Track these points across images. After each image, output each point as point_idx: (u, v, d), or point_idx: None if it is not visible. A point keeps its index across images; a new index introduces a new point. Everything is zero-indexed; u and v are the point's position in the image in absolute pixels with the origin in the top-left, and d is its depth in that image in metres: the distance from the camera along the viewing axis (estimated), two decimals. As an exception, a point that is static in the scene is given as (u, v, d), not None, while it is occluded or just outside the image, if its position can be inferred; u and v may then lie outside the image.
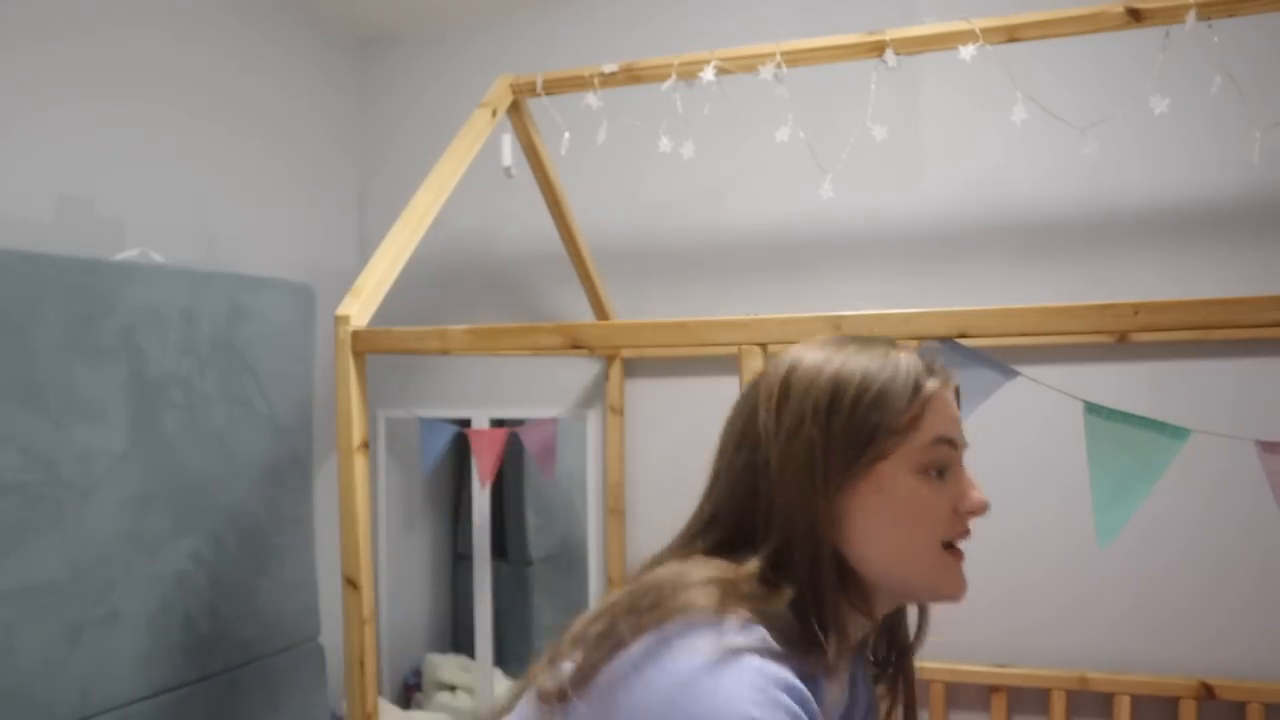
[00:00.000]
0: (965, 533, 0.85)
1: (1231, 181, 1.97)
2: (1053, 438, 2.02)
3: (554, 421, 2.30)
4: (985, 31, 1.70)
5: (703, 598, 0.74)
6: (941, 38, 1.74)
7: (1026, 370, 1.48)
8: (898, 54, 1.77)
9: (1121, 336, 1.99)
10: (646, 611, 0.73)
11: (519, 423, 2.27)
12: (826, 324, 1.31)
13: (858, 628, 0.85)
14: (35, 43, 1.89)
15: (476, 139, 1.85)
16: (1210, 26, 1.62)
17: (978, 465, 2.38)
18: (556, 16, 2.55)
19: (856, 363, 0.83)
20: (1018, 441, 2.05)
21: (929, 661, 2.12)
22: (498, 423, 2.43)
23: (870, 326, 1.31)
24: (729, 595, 0.74)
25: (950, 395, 0.86)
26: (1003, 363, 1.34)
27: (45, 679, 1.38)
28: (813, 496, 0.79)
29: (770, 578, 0.78)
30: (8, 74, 1.84)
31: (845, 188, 1.95)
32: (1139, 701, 1.98)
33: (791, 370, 0.85)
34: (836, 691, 0.85)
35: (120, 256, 1.75)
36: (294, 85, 2.56)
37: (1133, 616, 2.02)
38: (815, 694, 0.73)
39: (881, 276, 2.22)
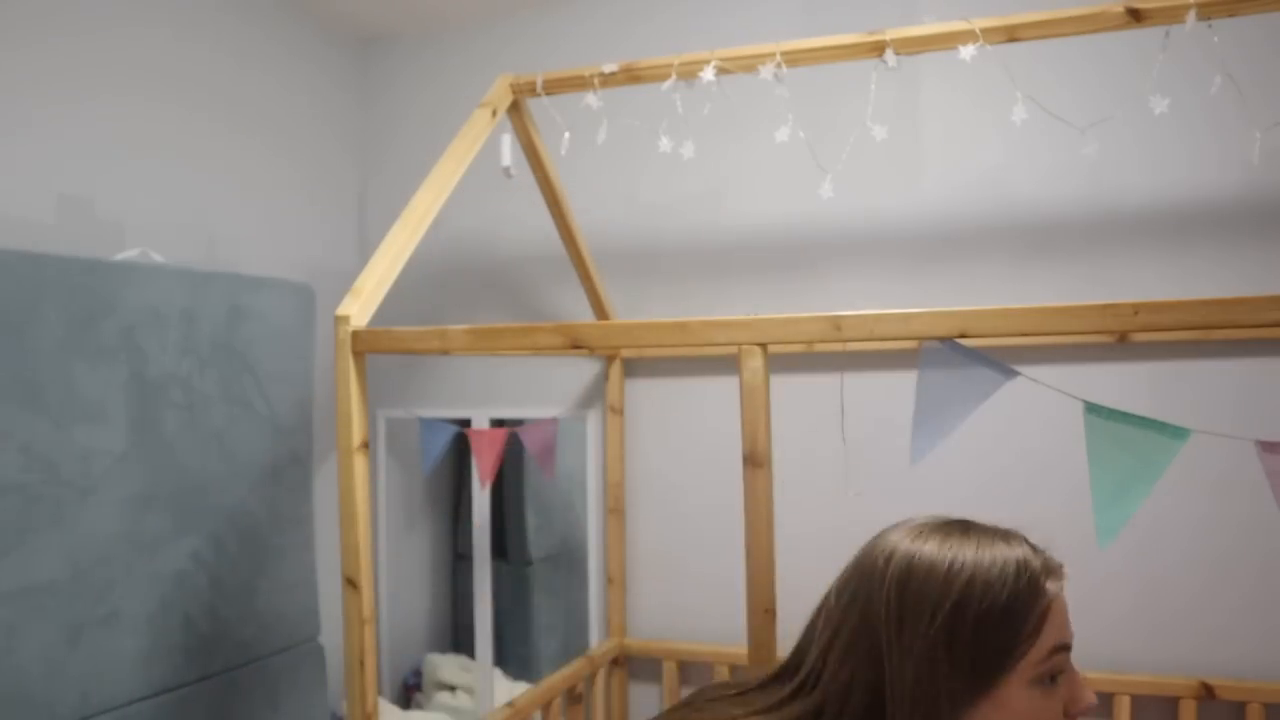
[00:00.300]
0: None
1: (1231, 181, 1.97)
2: (1053, 438, 2.02)
3: (554, 421, 2.30)
4: (985, 31, 1.69)
5: None
6: (941, 38, 1.74)
7: (1026, 370, 1.47)
8: (898, 54, 1.77)
9: (1121, 336, 1.99)
10: None
11: (519, 423, 2.27)
12: (826, 324, 1.32)
13: None
14: (36, 42, 1.89)
15: (476, 139, 1.85)
16: (1210, 26, 1.62)
17: (978, 465, 2.39)
18: (556, 16, 2.55)
19: (977, 567, 0.84)
20: (1018, 441, 2.05)
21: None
22: (498, 423, 2.43)
23: (870, 326, 1.31)
24: None
25: (1064, 594, 0.87)
26: (1003, 363, 1.34)
27: (45, 679, 1.38)
28: (935, 713, 0.81)
29: None
30: (8, 74, 1.84)
31: (845, 188, 1.95)
32: (1139, 701, 1.98)
33: (908, 570, 0.86)
34: None
35: (120, 256, 1.75)
36: (294, 85, 2.56)
37: (1133, 616, 2.02)
38: None
39: (881, 276, 2.22)
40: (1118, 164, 2.03)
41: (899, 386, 1.69)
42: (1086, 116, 1.82)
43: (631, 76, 1.90)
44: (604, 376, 2.45)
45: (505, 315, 2.61)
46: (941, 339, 1.30)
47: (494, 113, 1.91)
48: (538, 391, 2.53)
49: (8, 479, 1.35)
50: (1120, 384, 2.02)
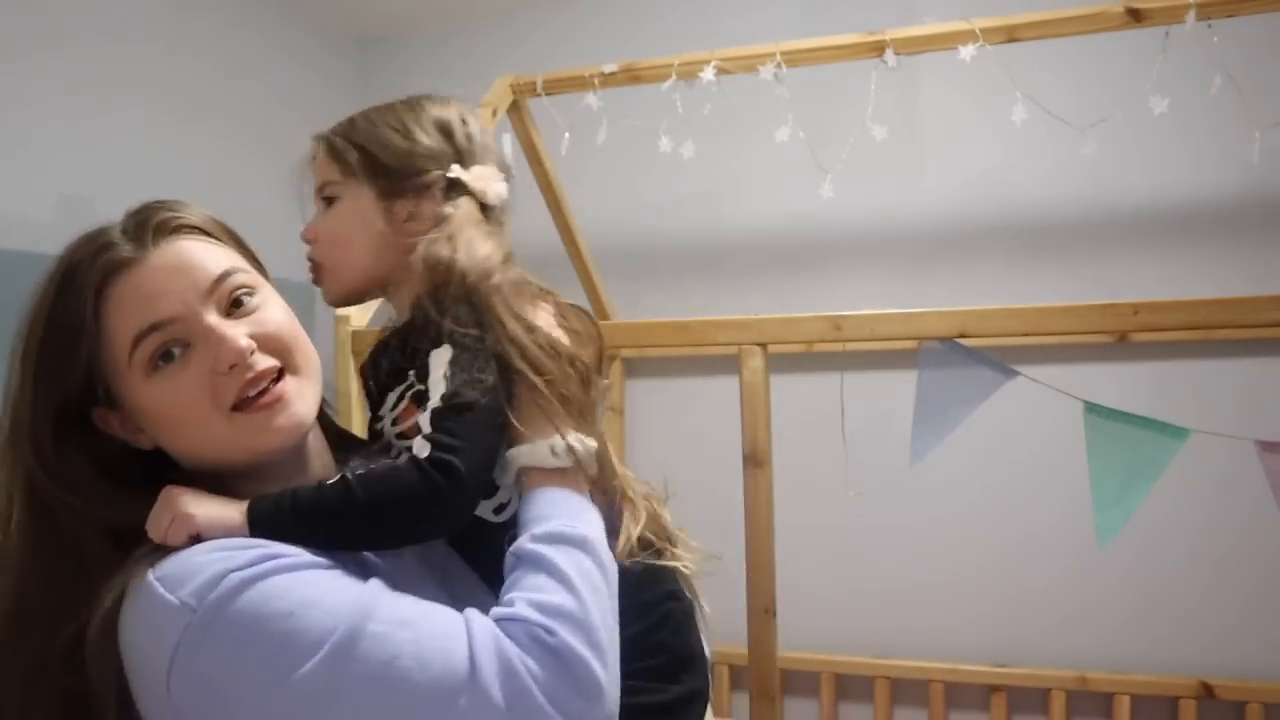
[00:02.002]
0: None
1: (1231, 181, 1.97)
2: (1053, 438, 2.01)
3: (554, 421, 2.30)
4: (985, 31, 1.70)
5: None
6: (941, 38, 1.75)
7: (1026, 370, 1.47)
8: (898, 54, 1.77)
9: (1121, 336, 1.99)
10: None
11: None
12: (826, 324, 1.32)
13: None
14: (36, 44, 1.89)
15: (476, 139, 1.85)
16: (1210, 26, 1.62)
17: (978, 465, 2.38)
18: (557, 17, 2.55)
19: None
20: (1018, 441, 2.05)
21: (929, 661, 2.12)
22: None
23: (870, 326, 1.31)
24: None
25: (147, 269, 0.78)
26: (1003, 363, 1.34)
27: (45, 679, 1.38)
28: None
29: None
30: (8, 74, 1.84)
31: (845, 188, 1.95)
32: (1139, 701, 1.98)
33: None
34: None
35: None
36: (293, 86, 2.56)
37: (1133, 616, 2.02)
38: None
39: (881, 276, 2.22)
40: (1118, 164, 2.03)
41: (899, 386, 1.68)
42: (1086, 116, 1.82)
43: (632, 77, 1.90)
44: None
45: (505, 315, 2.60)
46: (941, 339, 1.30)
47: (494, 113, 1.91)
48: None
49: (8, 479, 1.35)
50: (1120, 384, 2.01)
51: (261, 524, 0.72)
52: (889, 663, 2.15)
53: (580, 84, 1.95)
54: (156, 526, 0.72)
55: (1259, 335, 1.91)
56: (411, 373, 0.83)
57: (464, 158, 0.97)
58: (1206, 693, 1.91)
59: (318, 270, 0.95)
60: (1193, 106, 1.87)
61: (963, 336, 1.29)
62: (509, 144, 2.01)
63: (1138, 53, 1.79)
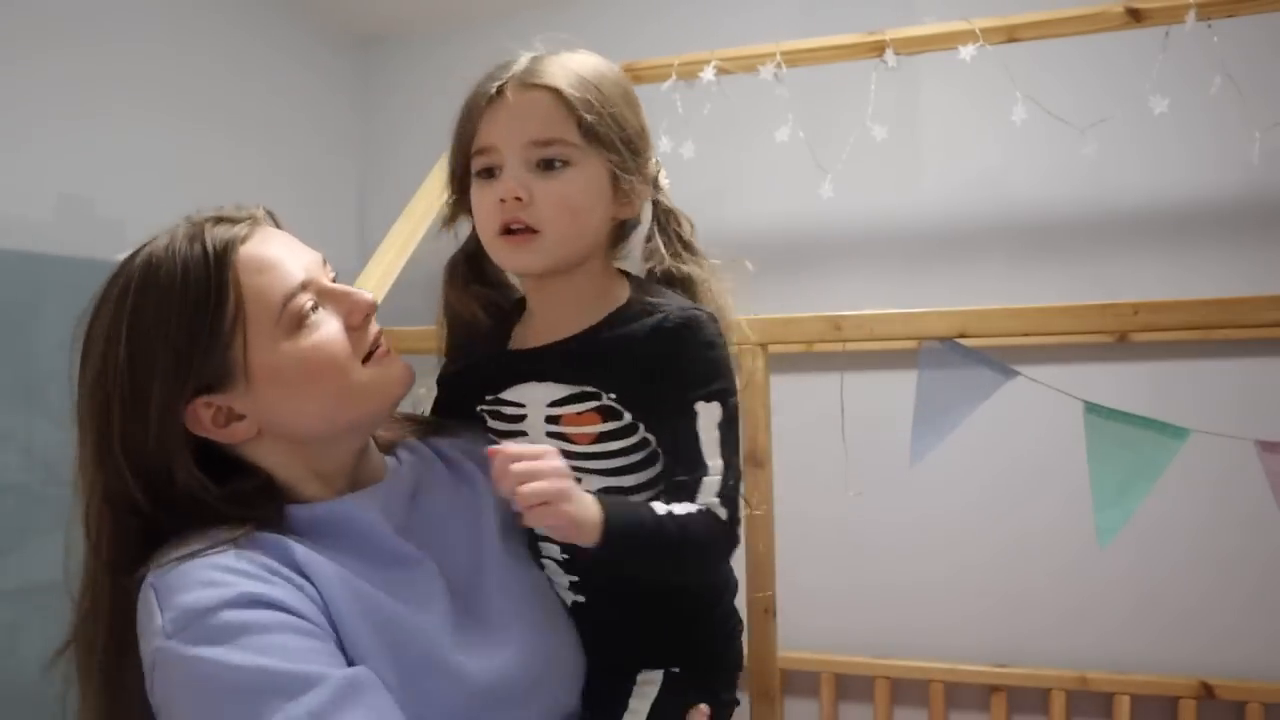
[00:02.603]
0: None
1: (1231, 181, 1.97)
2: (1053, 438, 2.01)
3: (554, 421, 2.30)
4: (985, 31, 1.70)
5: None
6: (941, 38, 1.75)
7: (1026, 370, 1.47)
8: (898, 54, 1.77)
9: (1121, 336, 1.99)
10: None
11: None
12: (826, 324, 1.32)
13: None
14: (36, 44, 1.89)
15: (476, 139, 1.85)
16: (1210, 26, 1.62)
17: (978, 465, 2.38)
18: (557, 17, 2.55)
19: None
20: (1018, 441, 2.05)
21: (929, 661, 2.12)
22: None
23: (870, 326, 1.32)
24: None
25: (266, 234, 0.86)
26: (1003, 363, 1.34)
27: (46, 678, 1.38)
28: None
29: None
30: (8, 74, 1.84)
31: (845, 188, 1.95)
32: (1139, 701, 1.98)
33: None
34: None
35: (120, 256, 1.75)
36: (293, 86, 2.56)
37: (1133, 616, 2.02)
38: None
39: (881, 276, 2.22)
40: (1118, 164, 2.03)
41: (899, 386, 1.68)
42: (1086, 116, 1.82)
43: (631, 77, 1.90)
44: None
45: (505, 315, 2.60)
46: (941, 339, 1.30)
47: (494, 113, 1.91)
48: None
49: (8, 479, 1.35)
50: (1120, 384, 2.01)
51: (616, 535, 0.74)
52: (889, 663, 2.14)
53: (580, 84, 1.94)
54: (532, 489, 0.70)
55: (1259, 335, 1.91)
56: (611, 395, 0.84)
57: None
58: (1206, 693, 1.91)
59: (526, 234, 0.84)
60: (1193, 106, 1.87)
61: (963, 336, 1.29)
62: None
63: (1138, 53, 1.79)
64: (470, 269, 0.94)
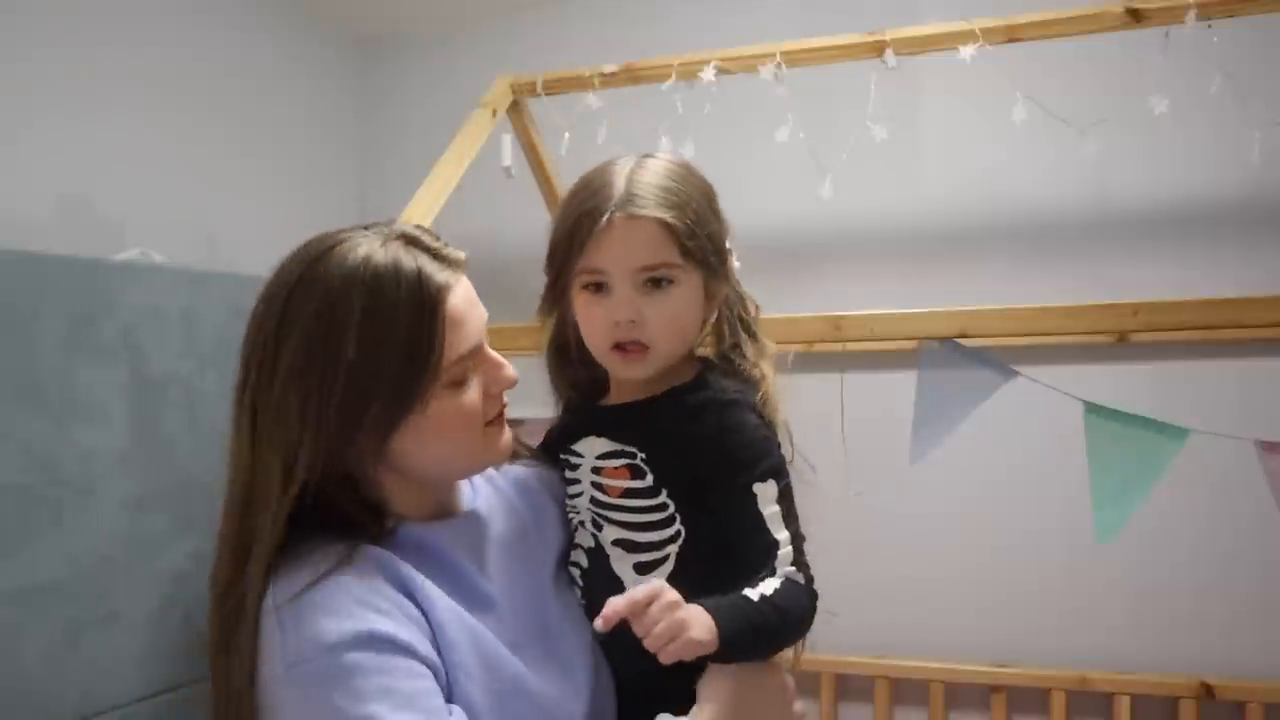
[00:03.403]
0: None
1: (1231, 181, 1.97)
2: (1053, 438, 2.01)
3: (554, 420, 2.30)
4: (985, 31, 1.70)
5: None
6: (941, 38, 1.75)
7: (1026, 370, 1.48)
8: (898, 54, 1.77)
9: (1121, 336, 1.99)
10: None
11: (519, 423, 2.26)
12: (826, 324, 1.32)
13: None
14: (36, 44, 1.89)
15: (476, 139, 1.85)
16: (1210, 27, 1.62)
17: (978, 465, 2.38)
18: (557, 17, 2.55)
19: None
20: (1018, 441, 2.05)
21: (929, 661, 2.12)
22: (498, 423, 2.43)
23: (870, 326, 1.32)
24: None
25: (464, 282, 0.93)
26: (1003, 363, 1.34)
27: (45, 679, 1.38)
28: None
29: None
30: (8, 73, 1.84)
31: (845, 188, 1.95)
32: (1139, 701, 1.98)
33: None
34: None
35: (120, 256, 1.75)
36: (293, 86, 2.56)
37: (1133, 616, 2.02)
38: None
39: (881, 276, 2.22)
40: (1118, 164, 2.03)
41: (899, 386, 1.69)
42: (1086, 117, 1.82)
43: (632, 77, 1.90)
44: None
45: (506, 315, 2.60)
46: (941, 339, 1.30)
47: (494, 113, 1.91)
48: (538, 391, 2.52)
49: (8, 479, 1.35)
50: (1120, 384, 2.01)
51: (733, 637, 0.81)
52: (889, 663, 2.14)
53: (580, 84, 1.95)
54: (658, 633, 0.77)
55: (1259, 335, 1.91)
56: (642, 456, 0.94)
57: None
58: (1206, 693, 1.91)
59: (638, 349, 0.94)
60: (1193, 106, 1.87)
61: (962, 336, 1.29)
62: (509, 144, 2.01)
63: (1138, 53, 1.79)
64: (563, 357, 1.06)
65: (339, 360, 0.77)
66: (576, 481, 1.00)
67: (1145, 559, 1.99)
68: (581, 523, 0.98)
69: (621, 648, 0.88)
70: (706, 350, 1.04)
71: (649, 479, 0.93)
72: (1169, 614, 2.00)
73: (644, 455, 0.93)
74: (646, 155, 0.99)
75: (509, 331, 1.51)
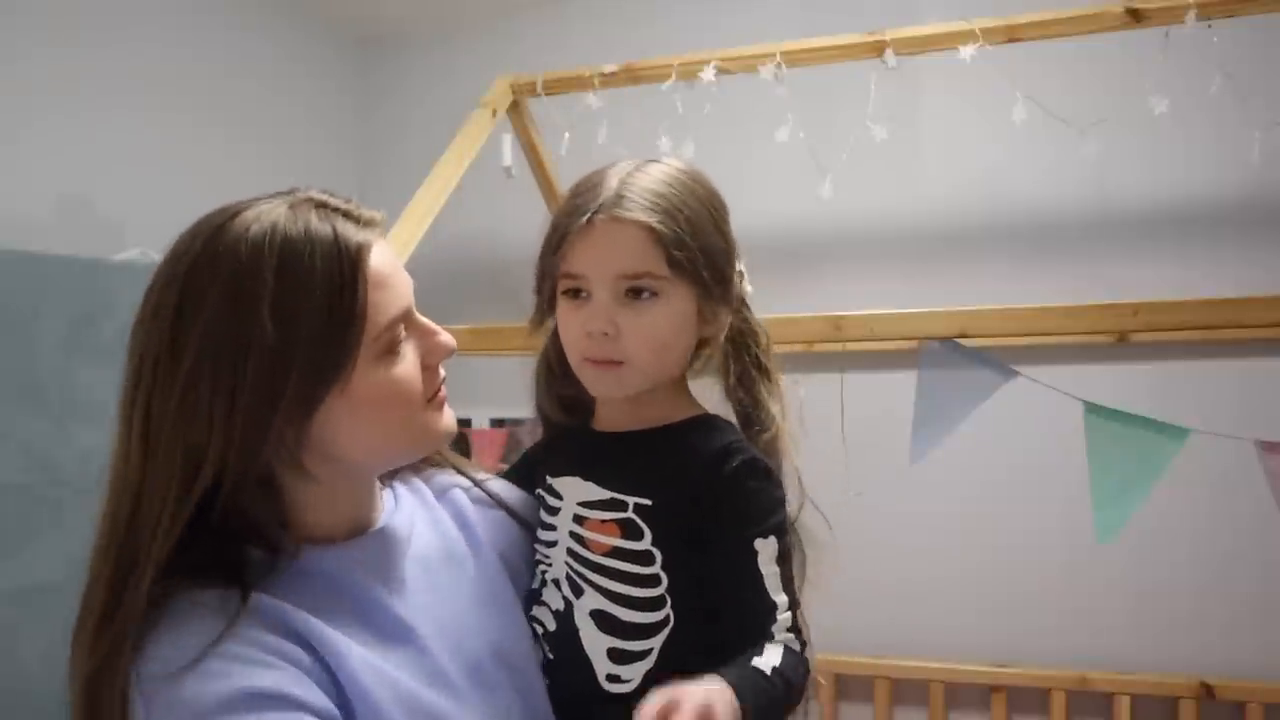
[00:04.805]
0: None
1: (1231, 181, 1.97)
2: (1053, 438, 2.01)
3: (554, 421, 2.30)
4: (985, 31, 1.70)
5: None
6: (941, 38, 1.75)
7: (1026, 370, 1.48)
8: (897, 54, 1.77)
9: (1121, 336, 1.99)
10: None
11: (519, 423, 2.27)
12: (826, 324, 1.32)
13: None
14: (36, 44, 1.89)
15: (476, 139, 1.85)
16: (1210, 27, 1.62)
17: (978, 465, 2.38)
18: (557, 17, 2.55)
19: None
20: (1018, 441, 2.05)
21: (929, 661, 2.12)
22: (498, 423, 2.43)
23: (870, 326, 1.32)
24: None
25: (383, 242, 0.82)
26: (1003, 363, 1.34)
27: (46, 679, 1.38)
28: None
29: None
30: (8, 73, 1.84)
31: (845, 188, 1.95)
32: (1139, 701, 1.98)
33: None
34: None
35: (120, 256, 1.75)
36: (293, 86, 2.56)
37: (1133, 616, 2.02)
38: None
39: (881, 276, 2.22)
40: (1118, 164, 2.02)
41: (899, 386, 1.69)
42: (1086, 116, 1.82)
43: (632, 77, 1.90)
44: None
45: (506, 315, 2.60)
46: (941, 339, 1.30)
47: (494, 113, 1.91)
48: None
49: (8, 479, 1.35)
50: (1120, 384, 2.01)
51: (756, 713, 0.73)
52: (889, 663, 2.14)
53: (580, 84, 1.95)
54: None
55: (1259, 335, 1.91)
56: (635, 503, 0.83)
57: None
58: (1206, 693, 1.91)
59: (611, 364, 0.85)
60: (1193, 106, 1.87)
61: (963, 336, 1.29)
62: (509, 144, 2.01)
63: (1138, 53, 1.79)
64: (552, 372, 0.96)
65: (251, 341, 0.68)
66: (552, 528, 0.88)
67: (1145, 559, 1.99)
68: (555, 580, 0.86)
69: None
70: (698, 378, 0.96)
71: (645, 540, 0.83)
72: (1169, 614, 2.00)
73: (637, 503, 0.83)
74: (652, 160, 0.91)
75: (509, 332, 1.51)
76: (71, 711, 0.70)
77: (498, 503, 0.93)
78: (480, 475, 0.96)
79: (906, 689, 2.15)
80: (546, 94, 1.95)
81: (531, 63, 2.15)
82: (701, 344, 0.92)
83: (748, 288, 0.96)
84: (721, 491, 0.83)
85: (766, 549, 0.82)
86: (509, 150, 2.00)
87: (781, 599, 0.82)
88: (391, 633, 0.76)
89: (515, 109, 2.00)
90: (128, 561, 0.71)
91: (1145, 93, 1.71)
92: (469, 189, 2.06)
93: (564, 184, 2.14)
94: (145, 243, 1.98)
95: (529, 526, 0.92)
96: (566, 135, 1.96)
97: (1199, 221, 2.00)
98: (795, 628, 0.83)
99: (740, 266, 0.94)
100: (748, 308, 0.96)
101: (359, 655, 0.71)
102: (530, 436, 2.23)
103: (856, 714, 2.20)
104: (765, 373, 0.94)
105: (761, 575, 0.82)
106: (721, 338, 0.92)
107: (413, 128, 2.71)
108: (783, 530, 0.85)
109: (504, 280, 2.66)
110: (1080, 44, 1.83)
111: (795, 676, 0.80)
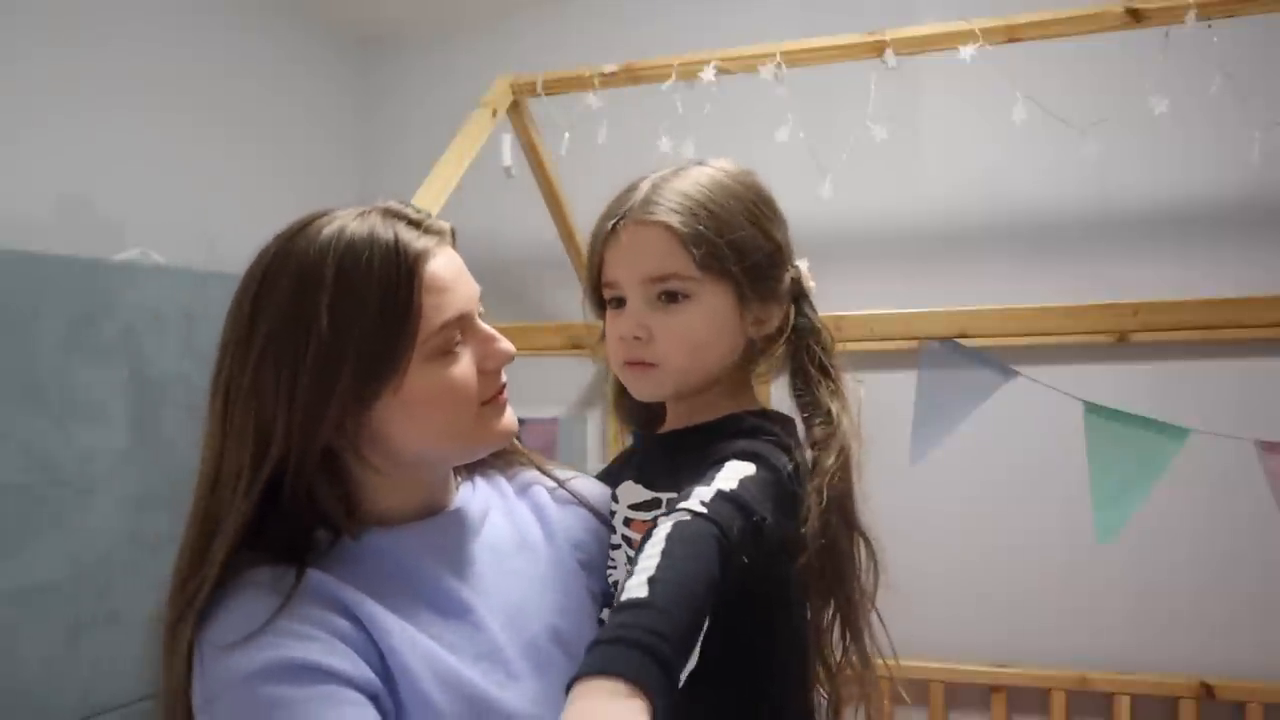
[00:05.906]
0: None
1: (1231, 181, 1.97)
2: (1053, 438, 2.02)
3: (554, 421, 2.30)
4: (985, 31, 1.70)
5: None
6: (941, 38, 1.75)
7: (1026, 370, 1.48)
8: (897, 54, 1.77)
9: (1122, 336, 1.99)
10: None
11: (519, 423, 2.27)
12: (826, 324, 1.31)
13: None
14: (37, 44, 1.89)
15: (476, 139, 1.85)
16: (1210, 27, 1.62)
17: (978, 465, 2.38)
18: (557, 17, 2.55)
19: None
20: (1018, 441, 2.05)
21: (929, 661, 2.12)
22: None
23: (870, 326, 1.32)
24: None
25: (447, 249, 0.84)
26: (1003, 363, 1.34)
27: (46, 679, 1.38)
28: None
29: None
30: (8, 73, 1.84)
31: (845, 188, 1.95)
32: (1139, 701, 1.98)
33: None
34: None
35: (120, 256, 1.75)
36: (294, 86, 2.56)
37: (1133, 616, 2.02)
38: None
39: (881, 276, 2.22)
40: (1118, 164, 2.03)
41: (899, 386, 1.69)
42: (1086, 116, 1.82)
43: (632, 77, 1.90)
44: (604, 376, 2.45)
45: (506, 315, 2.60)
46: (941, 339, 1.30)
47: (494, 113, 1.91)
48: (538, 391, 2.53)
49: (8, 479, 1.35)
50: (1120, 384, 2.01)
51: (657, 678, 0.61)
52: (889, 663, 2.14)
53: (580, 84, 1.95)
54: None
55: (1259, 335, 1.91)
56: (666, 498, 0.82)
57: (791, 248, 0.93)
58: (1206, 693, 1.91)
59: (647, 366, 0.85)
60: (1193, 106, 1.87)
61: (963, 336, 1.29)
62: (509, 144, 2.01)
63: (1138, 53, 1.79)
64: (619, 382, 0.95)
65: (311, 331, 0.74)
66: (614, 531, 0.89)
67: (1145, 559, 1.99)
68: (615, 582, 0.88)
69: None
70: (765, 379, 0.94)
71: None
72: (1169, 614, 2.00)
73: (669, 499, 0.80)
74: (699, 162, 0.90)
75: (508, 332, 1.51)
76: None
77: (580, 501, 0.95)
78: (564, 475, 0.98)
79: (906, 689, 2.15)
80: (546, 94, 1.95)
81: (531, 63, 2.15)
82: (767, 343, 0.91)
83: (810, 284, 0.95)
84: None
85: (736, 467, 0.77)
86: (509, 150, 2.00)
87: (711, 488, 0.74)
88: (448, 609, 0.79)
89: (515, 109, 2.00)
90: (210, 531, 0.77)
91: (1145, 93, 1.71)
92: (469, 189, 2.06)
93: (564, 184, 2.14)
94: (145, 243, 1.98)
95: (611, 524, 0.93)
96: (566, 135, 1.96)
97: (1199, 221, 2.00)
98: (706, 501, 0.73)
99: (798, 264, 0.94)
100: (810, 305, 0.94)
101: (405, 632, 0.75)
102: (529, 437, 2.23)
103: (856, 713, 2.20)
104: (825, 371, 0.92)
105: (713, 476, 0.76)
106: (782, 337, 0.90)
107: (413, 128, 2.71)
108: (771, 465, 0.80)
109: (504, 280, 2.66)
110: (1080, 44, 1.83)
111: (683, 538, 0.70)
